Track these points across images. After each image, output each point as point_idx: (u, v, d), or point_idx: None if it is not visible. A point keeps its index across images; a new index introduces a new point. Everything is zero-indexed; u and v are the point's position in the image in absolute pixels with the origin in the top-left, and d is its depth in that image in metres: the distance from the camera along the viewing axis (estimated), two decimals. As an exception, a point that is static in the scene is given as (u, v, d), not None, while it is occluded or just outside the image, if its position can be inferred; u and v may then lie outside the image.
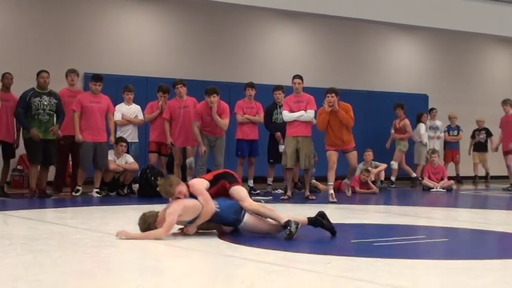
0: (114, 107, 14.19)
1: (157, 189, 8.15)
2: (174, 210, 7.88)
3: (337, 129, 13.58)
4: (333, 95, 13.47)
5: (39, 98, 13.04)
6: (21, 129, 13.44)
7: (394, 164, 17.78)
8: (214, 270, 6.55)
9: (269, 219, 8.30)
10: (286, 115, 13.84)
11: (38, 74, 13.24)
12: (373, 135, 18.86)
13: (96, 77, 13.84)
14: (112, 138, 13.83)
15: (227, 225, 8.33)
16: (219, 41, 18.39)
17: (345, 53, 20.17)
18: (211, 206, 8.05)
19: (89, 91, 13.86)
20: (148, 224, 7.96)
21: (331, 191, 13.46)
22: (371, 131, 19.05)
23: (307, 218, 8.36)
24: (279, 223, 8.19)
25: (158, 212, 8.05)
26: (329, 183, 13.60)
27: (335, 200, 13.28)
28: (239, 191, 8.40)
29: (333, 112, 13.48)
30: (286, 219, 8.10)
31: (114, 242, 7.69)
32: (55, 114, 13.19)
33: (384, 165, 17.06)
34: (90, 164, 13.70)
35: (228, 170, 9.04)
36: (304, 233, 8.14)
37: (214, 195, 8.28)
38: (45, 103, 13.07)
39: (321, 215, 8.41)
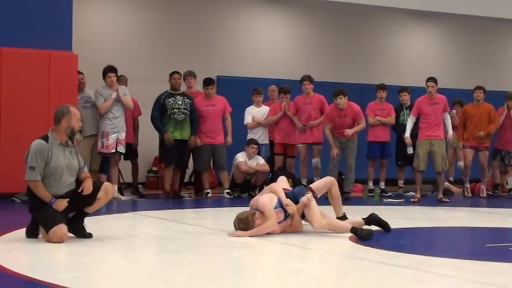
0: (245, 109, 14.41)
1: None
2: (265, 202, 8.21)
3: (477, 123, 14.37)
4: (481, 91, 14.48)
5: (173, 98, 13.32)
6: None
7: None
8: (346, 272, 6.54)
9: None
10: (408, 121, 13.86)
11: (170, 75, 13.53)
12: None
13: (207, 81, 13.94)
14: (229, 139, 13.97)
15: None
16: (350, 43, 18.33)
17: (477, 53, 19.71)
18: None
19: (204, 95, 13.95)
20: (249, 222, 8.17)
21: (467, 185, 14.72)
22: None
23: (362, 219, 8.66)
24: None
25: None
26: (465, 179, 14.72)
27: (470, 194, 14.46)
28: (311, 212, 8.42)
29: (474, 105, 14.49)
30: (351, 227, 8.20)
31: (246, 243, 7.78)
32: (189, 116, 13.39)
33: None
34: (208, 166, 13.91)
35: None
36: (435, 236, 8.02)
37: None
38: (179, 102, 13.32)
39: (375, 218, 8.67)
